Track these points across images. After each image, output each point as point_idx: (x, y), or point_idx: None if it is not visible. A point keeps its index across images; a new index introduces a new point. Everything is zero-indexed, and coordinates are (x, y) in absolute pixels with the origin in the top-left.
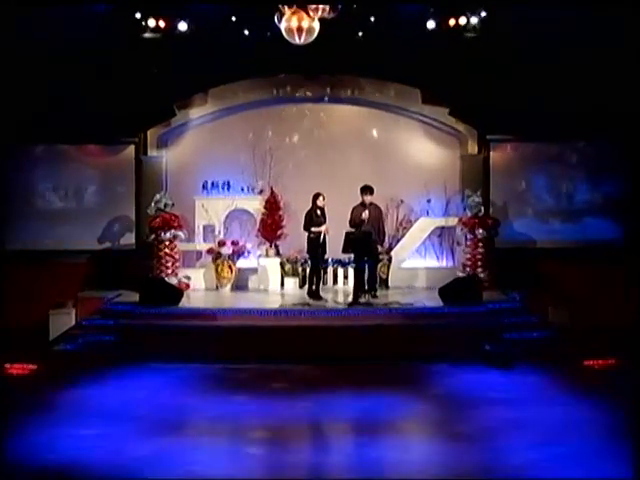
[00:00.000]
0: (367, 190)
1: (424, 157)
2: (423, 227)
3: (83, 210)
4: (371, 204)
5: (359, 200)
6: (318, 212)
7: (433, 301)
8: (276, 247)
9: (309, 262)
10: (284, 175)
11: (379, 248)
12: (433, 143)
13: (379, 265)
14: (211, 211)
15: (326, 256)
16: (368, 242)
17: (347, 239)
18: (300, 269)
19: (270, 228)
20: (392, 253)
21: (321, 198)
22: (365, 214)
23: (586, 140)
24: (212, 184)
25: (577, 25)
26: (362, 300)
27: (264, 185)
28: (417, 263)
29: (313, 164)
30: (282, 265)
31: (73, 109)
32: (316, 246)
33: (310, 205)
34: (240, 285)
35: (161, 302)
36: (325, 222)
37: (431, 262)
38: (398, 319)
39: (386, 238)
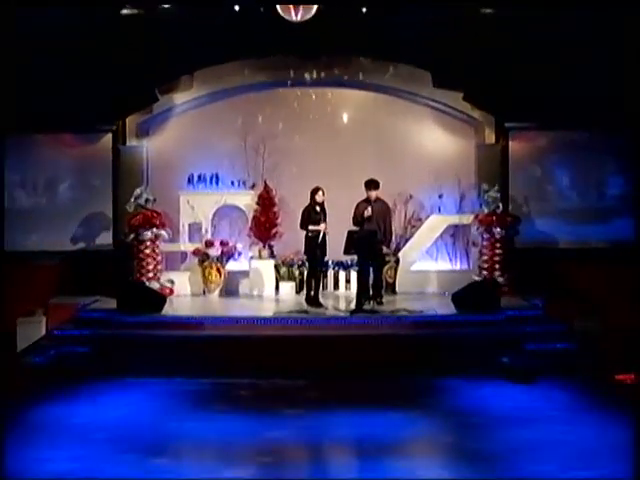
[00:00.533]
0: (372, 184)
1: (435, 147)
2: (434, 225)
3: (54, 206)
4: (377, 200)
5: (363, 196)
6: (317, 209)
7: (446, 308)
8: (270, 248)
9: (307, 264)
10: (279, 167)
11: (385, 249)
12: (445, 131)
13: (385, 268)
14: (197, 208)
15: (326, 258)
16: (373, 242)
17: (350, 239)
18: (297, 272)
19: (263, 227)
20: (400, 254)
21: (320, 193)
22: (368, 211)
23: (617, 128)
24: (199, 177)
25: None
26: (366, 307)
27: (257, 179)
28: (428, 266)
29: (312, 155)
30: (277, 268)
31: (43, 94)
32: (315, 247)
33: (308, 201)
34: (230, 290)
35: (141, 309)
36: (325, 220)
37: (443, 265)
38: (406, 328)
39: (393, 238)
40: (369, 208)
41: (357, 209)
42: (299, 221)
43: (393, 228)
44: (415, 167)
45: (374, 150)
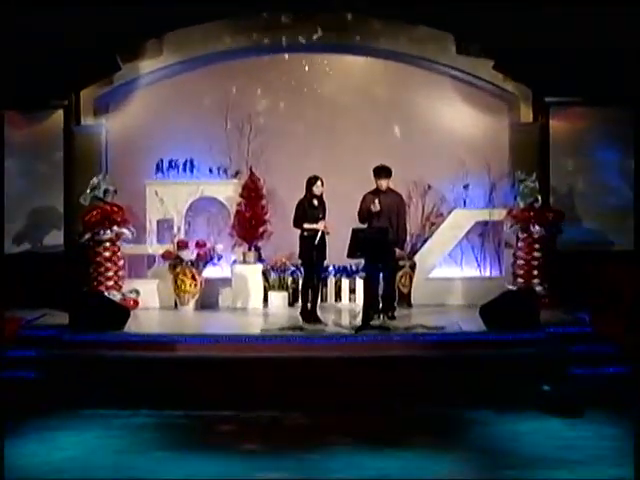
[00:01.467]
0: (382, 172)
1: (460, 127)
2: (458, 223)
3: None
4: (388, 191)
5: (372, 186)
6: (314, 202)
7: (473, 324)
8: (257, 250)
9: (302, 271)
10: (268, 152)
11: (398, 252)
12: (472, 107)
13: (398, 275)
14: (168, 201)
15: (325, 262)
16: (383, 243)
17: (355, 239)
18: (290, 280)
19: (249, 224)
20: (416, 258)
21: (319, 183)
22: (375, 205)
23: None
24: (170, 164)
25: None
26: (375, 323)
27: (240, 165)
28: (450, 272)
29: (308, 137)
30: (265, 275)
31: None
32: (312, 249)
33: (304, 193)
34: (208, 302)
35: (99, 326)
36: (324, 216)
37: (469, 271)
38: (424, 349)
39: (408, 237)
40: (376, 201)
41: (364, 202)
42: (292, 217)
43: (408, 226)
44: (435, 151)
45: (384, 130)
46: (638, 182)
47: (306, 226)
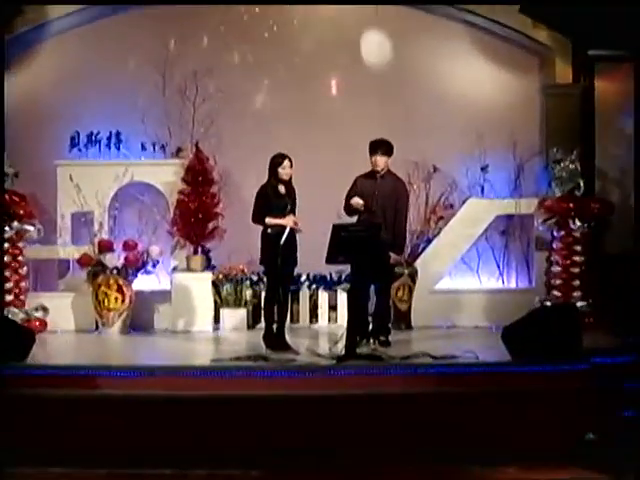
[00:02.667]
0: (380, 147)
1: (477, 90)
2: (474, 217)
3: None
4: (387, 175)
5: (358, 168)
6: (281, 190)
7: (493, 352)
8: (206, 254)
9: (265, 281)
10: (220, 122)
11: (394, 256)
12: (493, 65)
13: (394, 286)
14: (87, 187)
15: (296, 270)
16: (375, 244)
17: (336, 239)
18: (249, 294)
19: (194, 218)
20: (418, 264)
21: (286, 164)
22: (358, 202)
23: None
24: (89, 138)
25: None
26: (363, 351)
27: (183, 140)
28: (463, 283)
29: (274, 103)
30: (216, 287)
31: None
32: (277, 251)
33: (266, 177)
34: (139, 323)
35: None
36: (293, 208)
37: (489, 281)
38: (429, 385)
39: (408, 236)
40: (357, 199)
41: (352, 190)
42: (252, 210)
43: (409, 222)
44: (443, 122)
45: (376, 96)
46: None
47: (270, 221)
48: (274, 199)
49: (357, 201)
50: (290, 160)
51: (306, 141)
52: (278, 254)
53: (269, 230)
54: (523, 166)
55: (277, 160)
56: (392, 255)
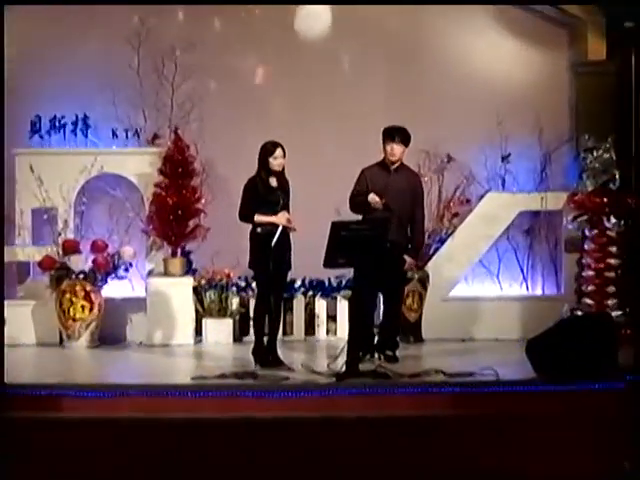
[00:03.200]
0: (398, 134)
1: (497, 68)
2: (494, 213)
3: None
4: (401, 169)
5: (359, 161)
6: (272, 183)
7: (516, 369)
8: (186, 256)
9: (254, 287)
10: (203, 106)
11: (409, 260)
12: (516, 38)
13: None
14: (49, 180)
15: (290, 274)
16: (382, 244)
17: (336, 238)
18: (236, 302)
19: (173, 215)
20: (429, 268)
21: (278, 154)
22: (375, 200)
23: None
24: (52, 123)
25: None
26: (367, 367)
27: (160, 126)
28: (482, 289)
29: (267, 84)
30: (198, 293)
31: None
32: (267, 253)
33: (256, 168)
34: (110, 336)
35: None
36: (286, 204)
37: (511, 287)
38: (442, 407)
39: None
40: (373, 196)
41: (359, 184)
42: (239, 206)
43: (425, 223)
44: (458, 105)
45: (384, 75)
46: None
47: (259, 219)
48: (264, 193)
49: (375, 198)
50: (283, 149)
51: (302, 127)
52: (269, 256)
53: (259, 229)
54: (550, 155)
55: (268, 149)
56: (407, 259)
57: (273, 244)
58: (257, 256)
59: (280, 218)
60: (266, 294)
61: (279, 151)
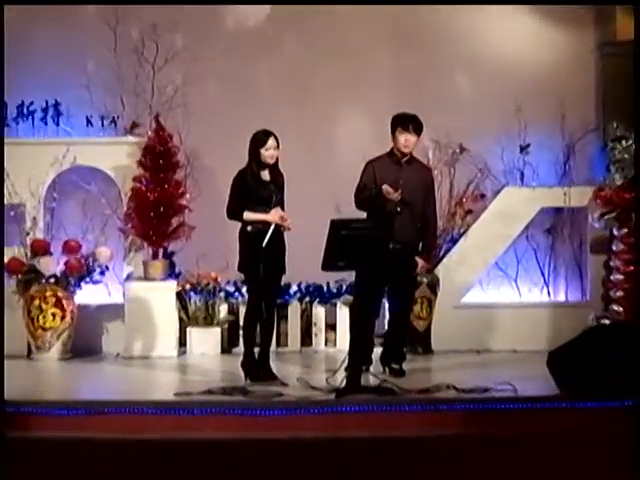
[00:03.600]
0: (412, 123)
1: (515, 49)
2: (512, 210)
3: None
4: (413, 162)
5: (364, 152)
6: (263, 176)
7: (536, 384)
8: (169, 258)
9: (244, 293)
10: (188, 90)
11: (421, 263)
12: (537, 18)
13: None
14: (16, 173)
15: (284, 278)
16: (387, 245)
17: (336, 238)
18: (223, 308)
19: (154, 211)
20: (439, 271)
21: (271, 144)
22: (390, 191)
23: None
24: (19, 110)
25: None
26: (370, 382)
27: (140, 114)
28: (498, 295)
29: (259, 66)
30: (182, 299)
31: None
32: (258, 255)
33: (246, 161)
34: (84, 347)
35: None
36: (280, 201)
37: (531, 293)
38: (454, 426)
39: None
40: (387, 186)
41: (365, 177)
42: (227, 202)
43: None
44: (473, 90)
45: (388, 56)
46: None
47: (249, 216)
48: (255, 188)
49: (389, 189)
50: (276, 138)
51: (299, 113)
52: (260, 258)
53: (249, 228)
54: (574, 146)
55: (259, 139)
56: (419, 261)
57: (265, 244)
58: (247, 258)
59: (273, 215)
60: (257, 300)
61: (272, 141)
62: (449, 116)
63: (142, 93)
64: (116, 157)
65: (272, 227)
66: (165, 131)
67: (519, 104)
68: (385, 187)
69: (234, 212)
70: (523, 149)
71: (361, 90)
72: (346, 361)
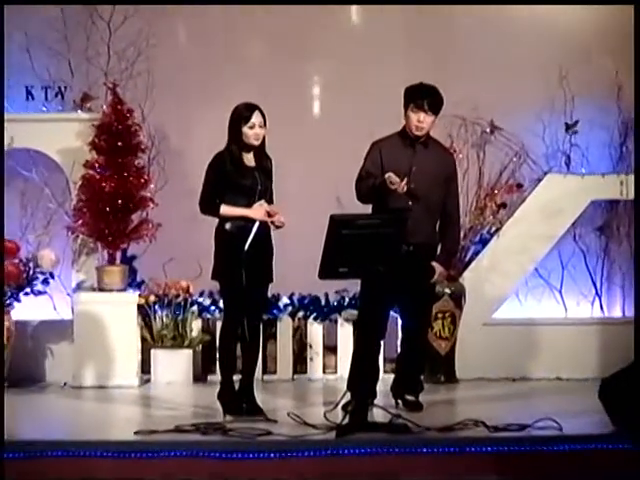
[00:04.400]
0: (428, 97)
1: (559, 6)
2: (555, 204)
3: None
4: (430, 144)
5: (386, 126)
6: (246, 161)
7: (585, 419)
8: (128, 262)
9: (222, 306)
10: (153, 54)
11: (440, 270)
12: None
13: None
14: None
15: (272, 287)
16: (399, 248)
17: (336, 238)
18: (196, 327)
19: (110, 205)
20: (465, 280)
21: (256, 120)
22: (394, 180)
23: None
24: None
25: None
26: (378, 418)
27: (93, 83)
28: (538, 309)
29: (242, 22)
30: (146, 315)
31: None
32: (238, 259)
33: (226, 140)
34: (23, 373)
35: None
36: (266, 192)
37: (579, 307)
38: (483, 471)
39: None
40: (391, 175)
41: (369, 160)
42: (200, 194)
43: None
44: (506, 55)
45: (402, 15)
46: None
47: (227, 211)
48: (236, 175)
49: (393, 178)
50: (262, 114)
51: (293, 84)
52: (241, 263)
53: (227, 225)
54: (628, 123)
55: (241, 114)
56: (437, 267)
57: (247, 246)
58: (224, 263)
59: (257, 210)
60: (237, 315)
61: (256, 117)
62: (477, 87)
63: (95, 57)
64: (63, 138)
65: (256, 225)
66: (124, 105)
67: (565, 72)
68: (389, 175)
69: (209, 205)
70: (569, 127)
71: (370, 57)
72: (349, 392)
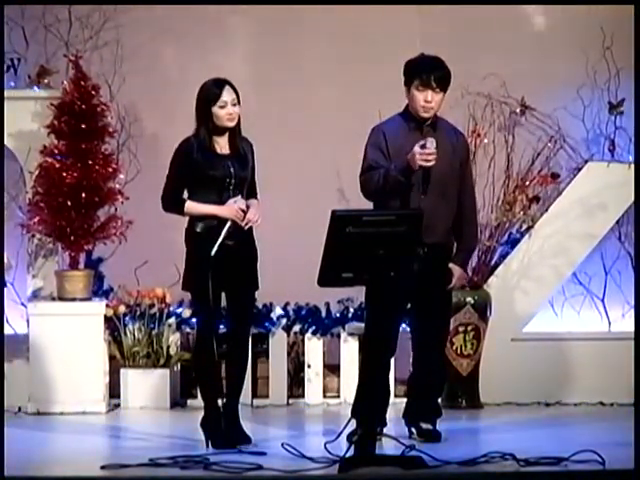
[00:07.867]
0: (435, 72)
1: None
2: (597, 198)
3: None
4: (440, 123)
5: (390, 107)
6: (220, 148)
7: (632, 451)
8: (93, 267)
9: (196, 318)
10: (121, 18)
11: (459, 273)
12: None
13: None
14: None
15: (264, 296)
16: (413, 249)
17: (339, 239)
18: (174, 342)
19: (72, 199)
20: (489, 286)
21: (227, 97)
22: (427, 142)
23: None
24: None
25: None
26: (389, 451)
27: (52, 58)
28: (576, 322)
29: None
30: (115, 328)
31: None
32: (206, 265)
33: (195, 125)
34: None
35: None
36: (242, 184)
37: (624, 320)
38: None
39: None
40: (430, 144)
41: (372, 147)
42: (163, 187)
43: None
44: (536, 20)
45: None
46: None
47: (192, 208)
48: (204, 166)
49: (427, 142)
50: (234, 89)
51: (287, 59)
52: (209, 269)
53: (198, 227)
54: None
55: (209, 91)
56: (455, 270)
57: (214, 251)
58: (193, 270)
59: (226, 208)
60: (209, 330)
61: (228, 93)
62: (504, 59)
63: (55, 24)
64: (16, 119)
65: (227, 225)
66: (88, 81)
67: (609, 41)
68: (421, 144)
69: (171, 201)
70: (614, 107)
71: (374, 23)
72: (353, 419)
